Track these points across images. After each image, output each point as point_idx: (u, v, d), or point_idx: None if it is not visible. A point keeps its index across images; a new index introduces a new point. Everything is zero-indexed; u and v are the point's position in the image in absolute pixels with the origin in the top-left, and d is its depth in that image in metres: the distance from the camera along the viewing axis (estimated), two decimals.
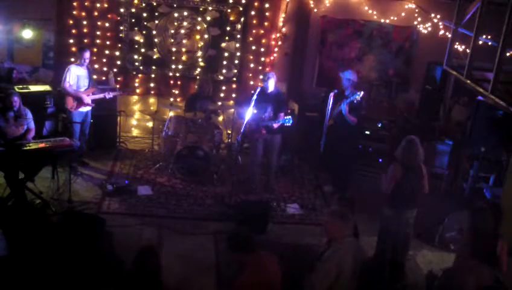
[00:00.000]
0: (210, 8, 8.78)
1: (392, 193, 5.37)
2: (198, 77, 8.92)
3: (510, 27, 5.50)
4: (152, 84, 9.05)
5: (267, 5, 8.82)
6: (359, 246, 4.35)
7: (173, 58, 8.96)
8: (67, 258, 5.11)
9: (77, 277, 4.91)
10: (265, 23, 8.91)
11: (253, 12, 8.84)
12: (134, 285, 3.90)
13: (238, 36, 8.94)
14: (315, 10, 8.87)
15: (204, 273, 5.49)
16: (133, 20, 8.73)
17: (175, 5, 8.74)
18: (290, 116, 7.09)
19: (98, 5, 8.53)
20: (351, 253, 4.15)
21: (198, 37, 8.90)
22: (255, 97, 7.13)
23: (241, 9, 8.80)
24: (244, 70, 9.11)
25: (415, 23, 8.88)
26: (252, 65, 9.08)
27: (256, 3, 8.80)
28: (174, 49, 8.92)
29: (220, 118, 8.89)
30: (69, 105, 7.46)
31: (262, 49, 9.01)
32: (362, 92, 7.07)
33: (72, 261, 5.06)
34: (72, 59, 7.89)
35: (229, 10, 8.80)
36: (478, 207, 4.76)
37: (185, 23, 8.83)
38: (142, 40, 8.84)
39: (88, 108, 7.61)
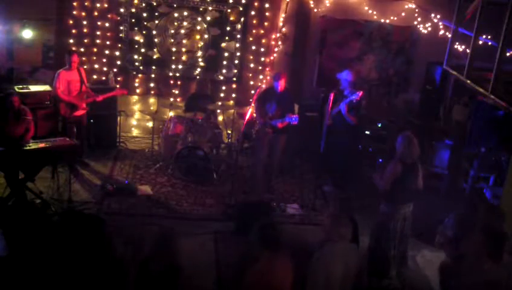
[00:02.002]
0: (210, 8, 8.78)
1: (390, 188, 5.39)
2: (198, 77, 8.92)
3: (510, 27, 5.51)
4: (152, 84, 9.05)
5: (267, 5, 8.82)
6: (355, 253, 4.32)
7: (173, 58, 8.96)
8: (67, 258, 5.10)
9: (77, 277, 4.91)
10: (265, 23, 8.91)
11: (253, 12, 8.85)
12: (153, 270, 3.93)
13: (238, 36, 8.94)
14: (315, 10, 8.87)
15: (204, 273, 5.49)
16: (133, 20, 8.73)
17: (175, 5, 8.74)
18: (296, 116, 7.09)
19: (98, 5, 8.53)
20: (340, 259, 4.12)
21: (198, 37, 8.90)
22: (259, 96, 7.11)
23: (241, 9, 8.80)
24: (244, 70, 9.12)
25: (415, 23, 8.88)
26: (252, 65, 9.08)
27: (256, 3, 8.80)
28: (174, 49, 8.92)
29: (220, 118, 8.89)
30: (62, 111, 7.45)
31: (262, 49, 9.01)
32: (361, 92, 7.07)
33: (71, 261, 5.06)
34: None
35: (229, 10, 8.80)
36: (490, 207, 4.74)
37: (185, 23, 8.83)
38: (142, 40, 8.84)
39: (82, 111, 7.59)
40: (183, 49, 8.96)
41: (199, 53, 8.99)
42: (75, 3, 8.48)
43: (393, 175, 5.34)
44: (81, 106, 7.46)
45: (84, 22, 8.57)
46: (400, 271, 5.69)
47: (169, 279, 4.09)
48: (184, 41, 8.92)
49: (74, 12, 8.52)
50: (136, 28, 8.77)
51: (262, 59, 9.06)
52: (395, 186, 5.36)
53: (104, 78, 8.73)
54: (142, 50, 8.88)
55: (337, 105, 7.14)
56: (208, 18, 8.83)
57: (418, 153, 5.42)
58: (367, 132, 8.42)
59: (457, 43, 7.43)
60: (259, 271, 3.91)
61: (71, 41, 8.57)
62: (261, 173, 7.56)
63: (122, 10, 8.64)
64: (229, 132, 8.52)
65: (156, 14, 8.74)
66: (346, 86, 7.25)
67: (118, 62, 8.86)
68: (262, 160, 7.48)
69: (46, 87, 8.09)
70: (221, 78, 9.14)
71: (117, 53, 8.84)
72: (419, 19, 8.81)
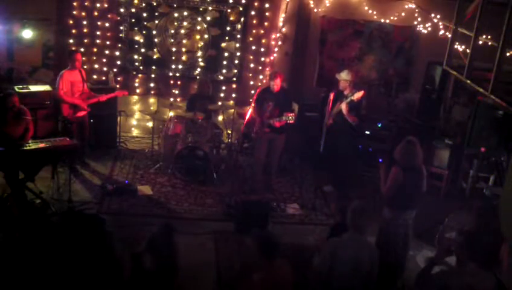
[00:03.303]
0: (210, 8, 8.78)
1: (392, 194, 5.35)
2: (198, 77, 8.93)
3: (510, 27, 5.50)
4: (152, 84, 9.05)
5: (267, 5, 8.83)
6: (368, 248, 4.32)
7: (173, 58, 8.96)
8: (67, 258, 5.11)
9: (77, 277, 4.91)
10: (265, 23, 8.91)
11: (253, 12, 8.85)
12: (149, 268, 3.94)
13: (238, 36, 8.94)
14: (315, 10, 8.87)
15: (204, 274, 5.49)
16: (133, 20, 8.73)
17: (175, 5, 8.74)
18: (293, 114, 7.08)
19: (98, 5, 8.54)
20: (351, 248, 4.14)
21: (198, 37, 8.90)
22: (258, 96, 7.11)
23: (241, 9, 8.80)
24: (244, 70, 9.12)
25: (415, 23, 8.88)
26: (252, 65, 9.09)
27: (256, 3, 8.80)
28: (174, 49, 8.92)
29: (220, 118, 8.90)
30: (65, 112, 7.43)
31: (262, 49, 9.01)
32: (362, 91, 7.06)
33: (72, 261, 5.06)
34: None
35: (229, 10, 8.80)
36: (480, 209, 4.71)
37: (185, 23, 8.83)
38: (142, 40, 8.84)
39: (84, 112, 7.58)
40: (183, 49, 8.96)
41: (199, 53, 8.99)
42: (75, 3, 8.49)
43: (395, 181, 5.28)
44: (83, 106, 7.46)
45: (84, 22, 8.57)
46: (400, 273, 5.68)
47: (165, 277, 4.09)
48: (184, 41, 8.92)
49: (74, 12, 8.52)
50: (136, 28, 8.77)
51: (262, 59, 9.06)
52: (397, 193, 5.30)
53: (104, 78, 8.73)
54: (142, 50, 8.89)
55: (337, 105, 7.13)
56: (208, 18, 8.83)
57: (421, 159, 5.35)
58: (367, 132, 8.42)
59: (457, 43, 7.43)
60: (261, 280, 3.93)
61: (71, 41, 8.58)
62: (261, 173, 7.57)
63: (122, 10, 8.64)
64: (229, 132, 8.52)
65: (156, 14, 8.74)
66: (346, 86, 7.24)
67: (118, 62, 8.86)
68: (262, 160, 7.48)
69: (46, 87, 8.08)
70: (221, 78, 9.14)
71: (117, 53, 8.84)
72: (419, 19, 8.80)
